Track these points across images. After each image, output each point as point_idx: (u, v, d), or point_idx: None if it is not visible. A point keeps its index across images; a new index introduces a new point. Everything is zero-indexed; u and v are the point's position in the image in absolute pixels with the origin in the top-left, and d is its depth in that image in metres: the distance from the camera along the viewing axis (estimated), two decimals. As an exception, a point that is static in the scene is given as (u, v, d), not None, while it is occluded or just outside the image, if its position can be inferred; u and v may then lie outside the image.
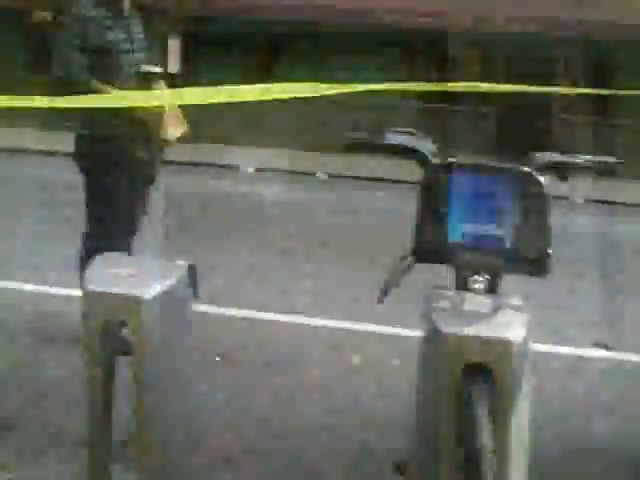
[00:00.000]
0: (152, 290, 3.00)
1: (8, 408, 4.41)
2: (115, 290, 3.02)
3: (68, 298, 5.85)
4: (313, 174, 11.13)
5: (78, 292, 5.13)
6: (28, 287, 6.26)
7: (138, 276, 3.11)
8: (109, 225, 5.36)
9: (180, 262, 3.22)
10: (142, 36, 5.33)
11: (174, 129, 5.32)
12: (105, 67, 5.01)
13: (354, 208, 9.31)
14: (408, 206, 3.27)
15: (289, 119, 11.03)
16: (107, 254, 3.26)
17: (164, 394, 3.11)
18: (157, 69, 5.23)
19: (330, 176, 11.09)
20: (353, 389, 4.93)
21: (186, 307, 3.21)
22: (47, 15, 11.71)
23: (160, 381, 3.08)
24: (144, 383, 3.03)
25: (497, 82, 5.89)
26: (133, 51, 5.25)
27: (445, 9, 10.73)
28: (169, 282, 3.08)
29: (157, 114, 5.20)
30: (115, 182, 5.30)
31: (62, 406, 4.37)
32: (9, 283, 6.27)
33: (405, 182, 10.76)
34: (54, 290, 6.14)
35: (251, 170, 11.37)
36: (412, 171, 3.24)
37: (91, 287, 3.04)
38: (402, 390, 4.68)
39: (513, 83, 5.36)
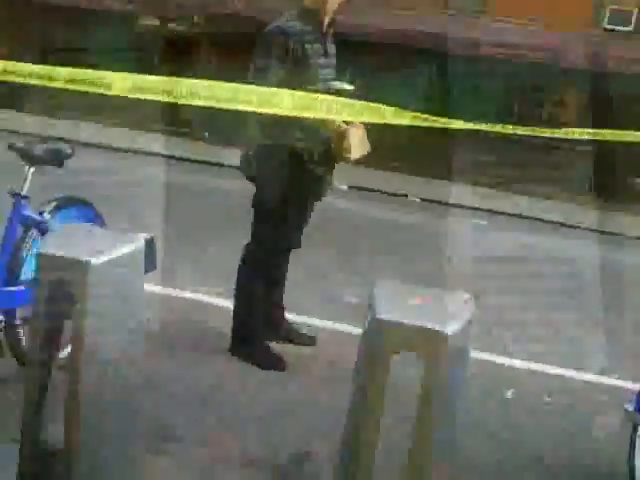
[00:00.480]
0: (454, 325, 2.93)
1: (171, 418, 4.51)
2: (410, 322, 2.94)
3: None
4: (405, 196, 11.00)
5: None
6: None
7: (431, 307, 3.05)
8: (273, 238, 5.32)
9: (465, 294, 3.15)
10: (334, 52, 5.29)
11: (357, 148, 5.25)
12: (299, 80, 4.94)
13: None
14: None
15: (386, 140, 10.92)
16: (389, 282, 3.18)
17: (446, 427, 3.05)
18: (348, 86, 5.16)
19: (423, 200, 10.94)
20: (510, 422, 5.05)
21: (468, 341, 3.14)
22: (154, 21, 11.66)
23: (446, 417, 3.01)
24: (434, 422, 2.95)
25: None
26: (327, 67, 5.20)
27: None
28: (465, 317, 3.01)
29: (343, 130, 5.14)
30: (286, 196, 5.25)
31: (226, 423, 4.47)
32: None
33: (503, 213, 10.80)
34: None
35: (344, 187, 11.27)
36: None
37: (382, 316, 2.95)
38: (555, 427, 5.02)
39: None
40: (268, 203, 5.31)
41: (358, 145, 5.25)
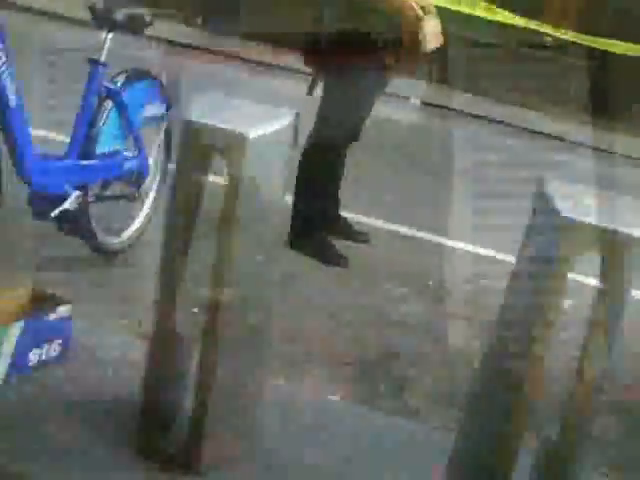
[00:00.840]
0: (637, 228, 2.81)
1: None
2: (594, 222, 2.80)
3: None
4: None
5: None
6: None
7: (609, 209, 2.93)
8: (338, 130, 5.16)
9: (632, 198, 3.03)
10: None
11: (432, 40, 5.05)
12: None
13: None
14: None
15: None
16: (556, 181, 3.01)
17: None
18: None
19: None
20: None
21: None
22: None
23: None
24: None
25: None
26: None
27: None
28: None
29: (417, 19, 4.94)
30: (354, 86, 5.07)
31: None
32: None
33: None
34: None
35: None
36: None
37: (562, 215, 2.79)
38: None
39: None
40: (337, 94, 5.12)
41: (433, 37, 5.04)
